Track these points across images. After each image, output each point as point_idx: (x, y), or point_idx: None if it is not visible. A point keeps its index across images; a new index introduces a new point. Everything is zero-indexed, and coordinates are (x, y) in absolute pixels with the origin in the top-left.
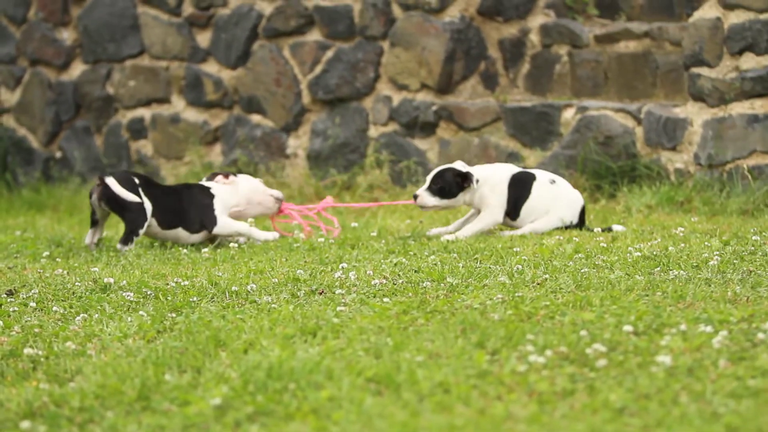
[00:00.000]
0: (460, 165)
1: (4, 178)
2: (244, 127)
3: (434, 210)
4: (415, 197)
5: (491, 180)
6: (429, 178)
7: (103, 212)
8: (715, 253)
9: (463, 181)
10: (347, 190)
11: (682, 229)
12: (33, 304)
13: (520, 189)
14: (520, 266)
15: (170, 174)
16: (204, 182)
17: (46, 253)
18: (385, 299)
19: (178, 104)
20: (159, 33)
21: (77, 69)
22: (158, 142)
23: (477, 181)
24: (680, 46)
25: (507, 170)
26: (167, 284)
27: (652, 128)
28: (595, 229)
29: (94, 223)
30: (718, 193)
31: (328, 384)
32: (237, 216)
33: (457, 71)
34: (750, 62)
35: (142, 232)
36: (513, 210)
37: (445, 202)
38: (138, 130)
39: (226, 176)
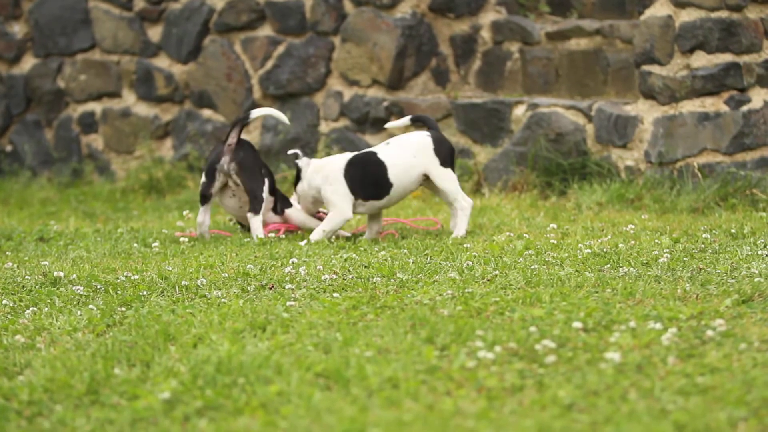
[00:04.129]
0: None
1: None
2: (195, 121)
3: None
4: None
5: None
6: None
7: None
8: (665, 250)
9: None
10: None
11: (633, 227)
12: None
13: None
14: (470, 262)
15: (120, 168)
16: None
17: None
18: (335, 294)
19: (129, 98)
20: (110, 27)
21: (28, 63)
22: (109, 136)
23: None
24: (631, 43)
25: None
26: (117, 278)
27: (602, 126)
28: None
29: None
30: (669, 191)
31: (277, 379)
32: None
33: (408, 67)
34: (701, 60)
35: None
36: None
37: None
38: (89, 124)
39: None
